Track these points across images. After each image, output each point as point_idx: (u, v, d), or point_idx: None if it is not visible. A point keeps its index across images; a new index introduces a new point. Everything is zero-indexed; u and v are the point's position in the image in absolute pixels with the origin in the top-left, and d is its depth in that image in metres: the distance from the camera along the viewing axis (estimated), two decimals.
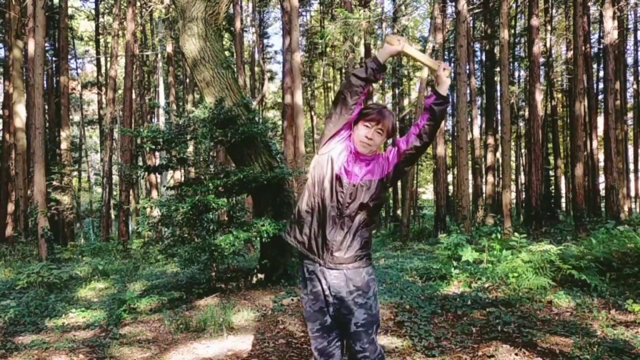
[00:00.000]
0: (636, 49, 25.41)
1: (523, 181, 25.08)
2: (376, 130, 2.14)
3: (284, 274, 6.49)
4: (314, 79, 30.44)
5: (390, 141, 2.41)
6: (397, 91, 28.88)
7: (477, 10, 20.36)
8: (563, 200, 27.25)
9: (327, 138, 2.22)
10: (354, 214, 2.14)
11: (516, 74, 27.30)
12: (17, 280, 7.39)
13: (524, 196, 23.68)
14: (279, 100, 31.35)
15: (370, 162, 2.21)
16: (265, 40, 29.34)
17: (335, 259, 2.14)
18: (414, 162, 2.25)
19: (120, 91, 25.18)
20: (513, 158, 27.94)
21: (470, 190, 19.83)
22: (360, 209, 2.15)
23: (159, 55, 21.98)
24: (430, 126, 2.12)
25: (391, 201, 28.42)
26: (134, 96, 20.33)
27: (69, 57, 21.68)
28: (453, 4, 18.95)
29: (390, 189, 24.64)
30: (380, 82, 29.54)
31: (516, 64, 26.36)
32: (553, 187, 22.38)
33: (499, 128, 19.99)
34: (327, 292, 2.18)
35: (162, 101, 20.60)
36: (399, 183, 23.18)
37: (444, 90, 2.12)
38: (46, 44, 19.47)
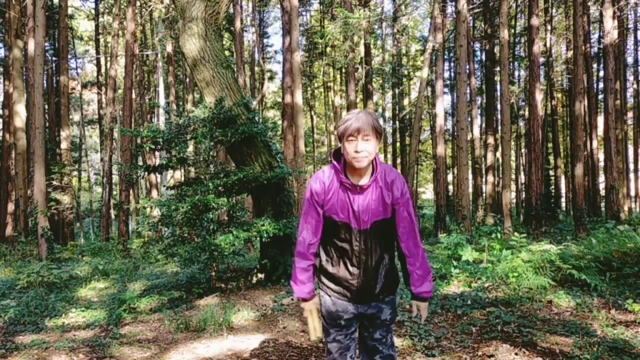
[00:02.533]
0: (636, 48, 25.40)
1: (523, 181, 25.07)
2: (362, 139, 1.95)
3: (284, 274, 6.49)
4: (314, 78, 30.44)
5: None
6: (397, 91, 28.86)
7: (477, 10, 20.37)
8: (563, 200, 27.25)
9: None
10: (371, 257, 2.13)
11: (516, 73, 27.29)
12: (17, 280, 7.40)
13: (524, 196, 23.68)
14: (279, 100, 31.36)
15: (371, 189, 2.06)
16: (265, 40, 29.34)
17: (364, 298, 2.18)
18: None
19: (120, 91, 25.19)
20: (513, 158, 27.95)
21: (470, 190, 19.83)
22: (377, 250, 2.13)
23: (159, 55, 21.96)
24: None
25: None
26: (134, 96, 20.33)
27: (69, 56, 21.67)
28: (453, 3, 18.94)
29: None
30: (380, 81, 29.58)
31: (516, 63, 26.35)
32: (553, 187, 22.39)
33: (499, 128, 19.99)
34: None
35: (162, 101, 20.58)
36: None
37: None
38: (46, 44, 19.49)
